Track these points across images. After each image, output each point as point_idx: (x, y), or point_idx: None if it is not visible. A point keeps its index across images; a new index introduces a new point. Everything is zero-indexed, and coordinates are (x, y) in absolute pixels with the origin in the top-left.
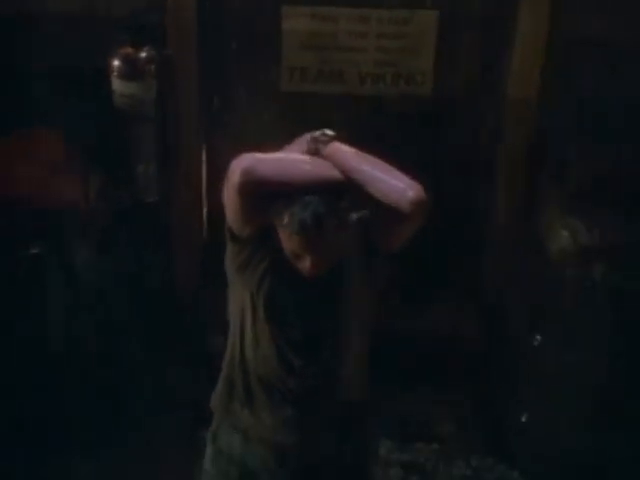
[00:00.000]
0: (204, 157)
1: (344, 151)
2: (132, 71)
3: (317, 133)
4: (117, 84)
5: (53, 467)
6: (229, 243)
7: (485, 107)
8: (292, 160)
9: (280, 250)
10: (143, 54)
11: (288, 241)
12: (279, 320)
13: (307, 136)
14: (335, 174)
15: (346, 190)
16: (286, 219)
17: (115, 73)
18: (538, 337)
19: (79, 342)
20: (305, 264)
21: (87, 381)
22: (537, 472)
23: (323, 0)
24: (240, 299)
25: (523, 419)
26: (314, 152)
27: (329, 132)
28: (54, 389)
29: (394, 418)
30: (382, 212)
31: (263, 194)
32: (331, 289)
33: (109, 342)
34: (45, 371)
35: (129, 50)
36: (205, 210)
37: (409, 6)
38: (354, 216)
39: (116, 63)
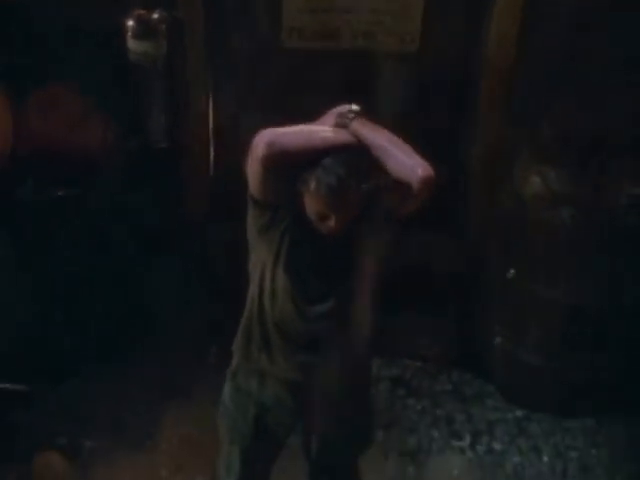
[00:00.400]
0: (211, 107)
1: (367, 126)
2: (145, 31)
3: (345, 108)
4: (131, 43)
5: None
6: (251, 207)
7: (467, 64)
8: (309, 131)
9: (298, 214)
10: (155, 15)
11: (315, 205)
12: (296, 276)
13: (336, 110)
14: (351, 140)
15: (362, 155)
16: (313, 185)
17: (129, 33)
18: (512, 270)
19: (105, 268)
20: (330, 223)
21: (107, 302)
22: (510, 385)
23: None
24: (260, 258)
25: (498, 339)
26: (342, 125)
27: (356, 108)
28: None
29: (384, 338)
30: (394, 184)
31: (285, 164)
32: (343, 247)
33: (128, 267)
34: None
35: (142, 12)
36: (212, 153)
37: None
38: (370, 182)
39: (130, 23)
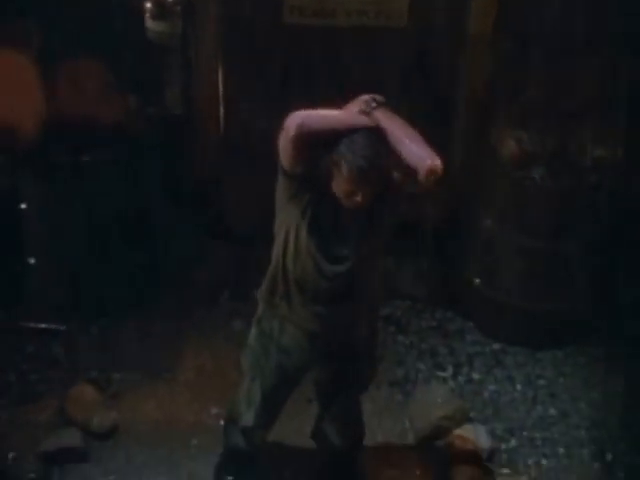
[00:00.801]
0: (220, 78)
1: (387, 115)
2: (161, 12)
3: (369, 98)
4: (150, 23)
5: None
6: (281, 177)
7: (449, 41)
8: (334, 115)
9: (322, 186)
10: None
11: (345, 184)
12: (318, 239)
13: (362, 98)
14: (370, 124)
15: (381, 139)
16: (345, 167)
17: (148, 14)
18: (489, 220)
19: (129, 222)
20: (357, 199)
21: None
22: (487, 322)
23: None
24: (286, 221)
25: (477, 282)
26: (365, 112)
27: (379, 98)
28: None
29: None
30: (406, 168)
31: (311, 143)
32: (358, 217)
33: (151, 221)
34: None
35: None
36: (222, 120)
37: None
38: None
39: (148, 5)
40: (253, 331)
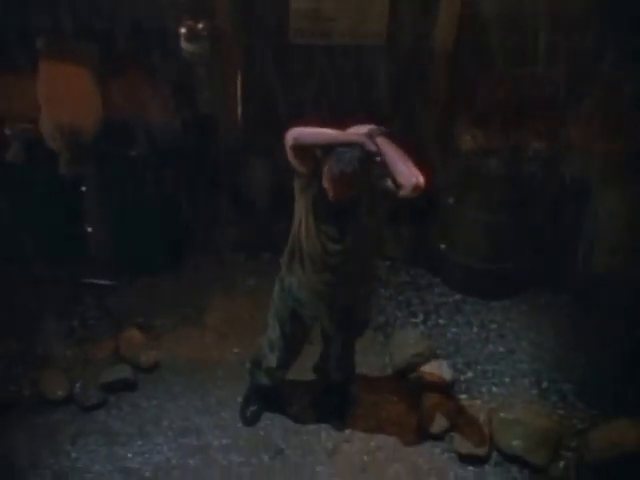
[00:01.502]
0: (238, 86)
1: (386, 142)
2: (193, 36)
3: (376, 127)
4: (184, 44)
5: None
6: (295, 175)
7: (420, 54)
8: (322, 132)
9: (321, 182)
10: (200, 25)
11: (326, 181)
12: (321, 223)
13: (369, 127)
14: (353, 140)
15: (362, 154)
16: (326, 170)
17: (183, 37)
18: (451, 199)
19: (167, 196)
20: (337, 195)
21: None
22: (451, 278)
23: None
24: (300, 209)
25: (442, 246)
26: (370, 137)
27: (383, 129)
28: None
29: None
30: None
31: (305, 151)
32: (354, 207)
33: (186, 195)
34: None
35: (191, 22)
36: (240, 116)
37: None
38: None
39: (183, 30)
40: (276, 288)
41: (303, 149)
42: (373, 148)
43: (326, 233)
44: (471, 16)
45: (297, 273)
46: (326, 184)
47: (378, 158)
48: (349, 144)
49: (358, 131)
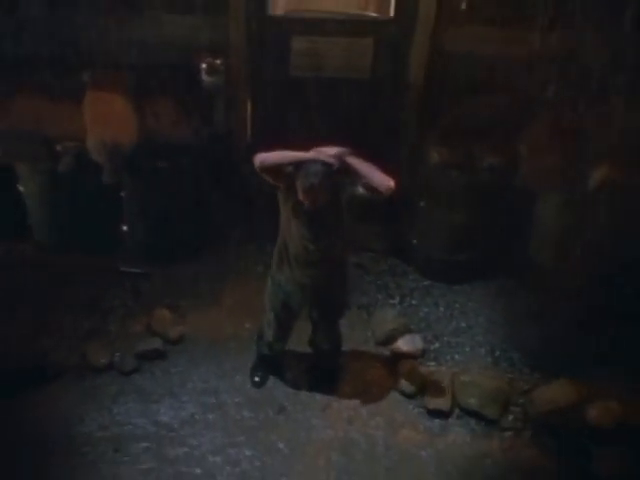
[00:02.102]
0: (249, 109)
1: (355, 159)
2: (212, 70)
3: (346, 149)
4: (204, 77)
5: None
6: (277, 189)
7: (396, 86)
8: (284, 153)
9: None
10: (217, 61)
11: (300, 193)
12: (302, 229)
13: (338, 148)
14: (314, 157)
15: (327, 167)
16: (298, 183)
17: (204, 71)
18: (422, 202)
19: (191, 199)
20: (310, 203)
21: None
22: (422, 267)
23: (314, 29)
24: (284, 216)
25: (415, 241)
26: (340, 156)
27: (349, 150)
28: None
29: (351, 240)
30: (367, 187)
31: (273, 170)
32: (326, 212)
33: (206, 198)
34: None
35: (211, 59)
36: (249, 133)
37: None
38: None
39: (204, 66)
40: (269, 281)
41: (269, 170)
42: (331, 161)
43: (306, 236)
44: (438, 56)
45: (285, 271)
46: (300, 196)
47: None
48: (313, 161)
49: (328, 152)
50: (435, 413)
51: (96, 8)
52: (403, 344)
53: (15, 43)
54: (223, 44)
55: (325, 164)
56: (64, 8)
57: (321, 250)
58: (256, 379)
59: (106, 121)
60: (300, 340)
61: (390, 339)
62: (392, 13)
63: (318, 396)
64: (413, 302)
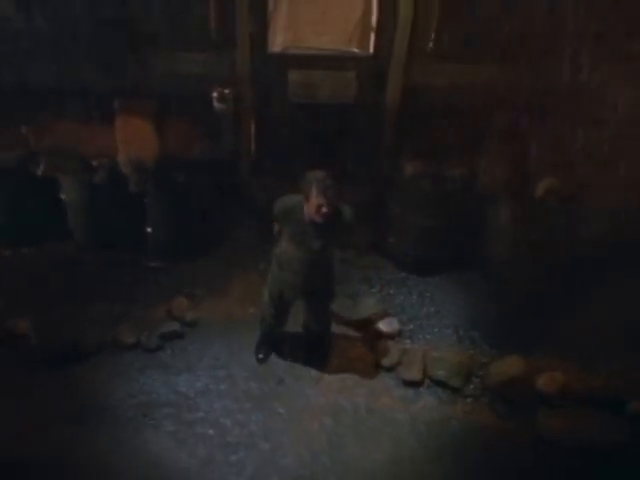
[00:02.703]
0: (253, 131)
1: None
2: (222, 98)
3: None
4: (215, 104)
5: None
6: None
7: (376, 111)
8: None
9: (296, 216)
10: (227, 91)
11: (314, 201)
12: (297, 242)
13: (319, 171)
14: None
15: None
16: (314, 189)
17: (214, 99)
18: (399, 208)
19: (202, 207)
20: (323, 211)
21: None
22: (398, 261)
23: (307, 64)
24: (284, 233)
25: (391, 239)
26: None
27: (327, 174)
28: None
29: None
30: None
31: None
32: (315, 231)
33: (218, 206)
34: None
35: (221, 89)
36: (253, 152)
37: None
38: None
39: (215, 94)
40: (269, 276)
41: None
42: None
43: (301, 247)
44: (409, 86)
45: (282, 266)
46: (316, 204)
47: None
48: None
49: (315, 175)
50: (409, 383)
51: (124, 48)
52: (382, 326)
53: (59, 77)
54: (231, 76)
55: (330, 179)
56: (97, 49)
57: (313, 257)
58: (260, 356)
59: (133, 141)
60: (296, 323)
61: (372, 322)
62: (371, 51)
63: (311, 370)
64: (391, 291)
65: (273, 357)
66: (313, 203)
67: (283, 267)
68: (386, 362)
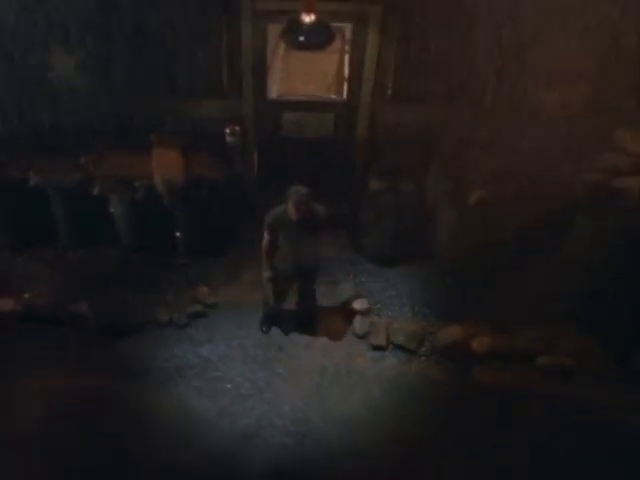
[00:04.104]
0: (256, 158)
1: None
2: (232, 134)
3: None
4: (227, 138)
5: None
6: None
7: (349, 143)
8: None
9: (285, 218)
10: (237, 127)
11: (292, 207)
12: (289, 240)
13: (301, 188)
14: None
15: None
16: (291, 197)
17: (227, 134)
18: (369, 215)
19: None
20: (296, 214)
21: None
22: (372, 257)
23: (297, 107)
24: (279, 234)
25: (366, 241)
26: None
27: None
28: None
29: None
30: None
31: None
32: (302, 230)
33: (225, 217)
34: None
35: (232, 125)
36: (256, 174)
37: (323, 110)
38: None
39: (227, 131)
40: (266, 268)
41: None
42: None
43: (292, 244)
44: (374, 123)
45: (281, 262)
46: (291, 209)
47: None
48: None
49: (293, 191)
50: (376, 347)
51: (160, 97)
52: (356, 305)
53: (110, 119)
54: (239, 117)
55: (304, 194)
56: (140, 97)
57: (302, 251)
58: (264, 329)
59: (165, 167)
60: (291, 303)
61: (348, 303)
62: (345, 97)
63: (303, 338)
64: (362, 279)
65: (274, 330)
66: (292, 206)
67: (280, 260)
68: (359, 332)
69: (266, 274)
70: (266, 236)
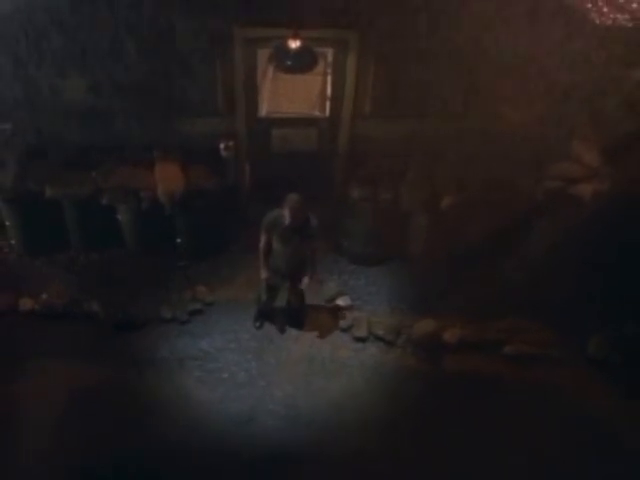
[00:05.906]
0: (248, 170)
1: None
2: (227, 148)
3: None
4: (222, 152)
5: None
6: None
7: (332, 156)
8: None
9: (281, 222)
10: (230, 143)
11: (288, 214)
12: (282, 242)
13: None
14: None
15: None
16: (288, 204)
17: (222, 149)
18: (349, 221)
19: (218, 222)
20: (294, 220)
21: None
22: (349, 256)
23: (284, 124)
24: (274, 235)
25: (345, 243)
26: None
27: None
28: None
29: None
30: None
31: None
32: (295, 233)
33: (224, 219)
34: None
35: (226, 141)
36: (247, 184)
37: (308, 126)
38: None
39: (222, 146)
40: (263, 270)
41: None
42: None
43: (285, 246)
44: (354, 137)
45: (275, 262)
46: (288, 215)
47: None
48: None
49: (290, 198)
50: (358, 339)
51: (161, 115)
52: (340, 301)
53: (116, 137)
54: (232, 133)
55: (301, 201)
56: (143, 116)
57: (294, 252)
58: (257, 324)
59: (167, 179)
60: (281, 298)
61: (332, 299)
62: (328, 114)
63: (293, 332)
64: (345, 278)
65: (266, 325)
66: (288, 212)
67: (273, 260)
68: (343, 325)
69: (263, 273)
70: (262, 238)
